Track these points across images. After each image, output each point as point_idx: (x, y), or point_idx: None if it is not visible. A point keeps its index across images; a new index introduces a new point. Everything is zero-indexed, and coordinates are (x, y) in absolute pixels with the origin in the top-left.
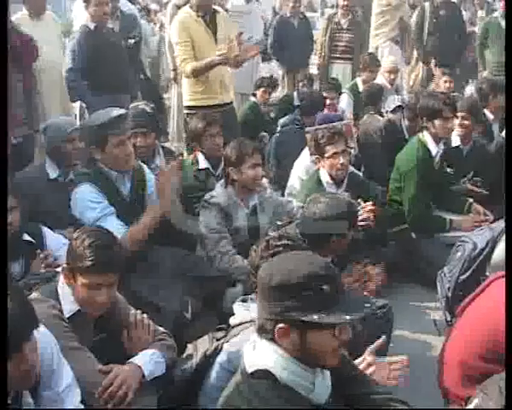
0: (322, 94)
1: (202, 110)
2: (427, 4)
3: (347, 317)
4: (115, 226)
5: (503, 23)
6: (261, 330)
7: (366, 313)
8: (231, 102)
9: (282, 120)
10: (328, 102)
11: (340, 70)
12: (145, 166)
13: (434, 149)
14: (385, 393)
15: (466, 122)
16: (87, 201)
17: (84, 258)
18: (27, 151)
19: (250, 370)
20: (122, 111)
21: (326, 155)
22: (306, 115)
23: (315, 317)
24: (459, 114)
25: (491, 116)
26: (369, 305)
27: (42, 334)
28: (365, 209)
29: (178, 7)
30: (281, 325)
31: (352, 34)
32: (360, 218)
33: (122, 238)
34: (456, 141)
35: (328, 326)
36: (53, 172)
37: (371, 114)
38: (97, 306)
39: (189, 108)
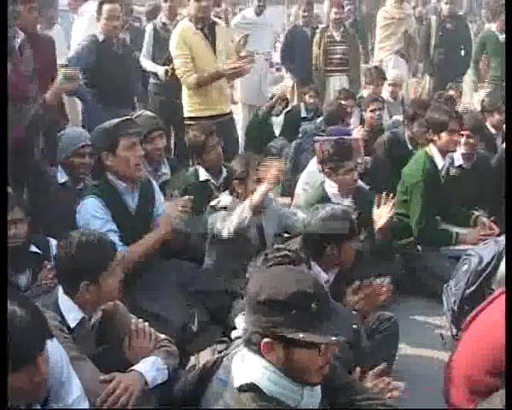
0: (343, 104)
1: (202, 121)
2: (433, 17)
3: (333, 338)
4: None
5: (500, 37)
6: (248, 343)
7: (353, 335)
8: (230, 112)
9: (303, 127)
10: (348, 110)
11: (336, 82)
12: (154, 181)
13: (441, 162)
14: (377, 399)
15: (471, 141)
16: (91, 215)
17: (108, 249)
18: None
19: (236, 383)
20: (128, 116)
21: (340, 171)
22: (330, 125)
23: (301, 335)
24: (464, 132)
25: (493, 130)
26: (356, 326)
27: (52, 346)
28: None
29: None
30: (266, 340)
31: (346, 46)
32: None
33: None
34: (458, 160)
35: (313, 345)
36: (62, 178)
37: None
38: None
39: (189, 119)
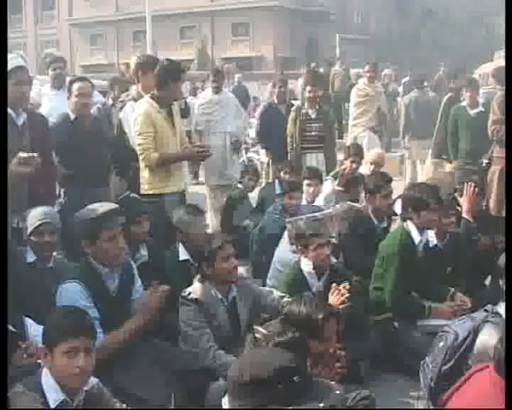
0: (301, 182)
1: (161, 198)
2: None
3: (321, 404)
4: None
5: (470, 111)
6: None
7: (337, 400)
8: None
9: (268, 210)
10: (310, 190)
11: (313, 159)
12: (133, 264)
13: (417, 237)
14: None
15: (446, 220)
16: (73, 300)
17: (60, 325)
18: None
19: None
20: (114, 205)
21: (311, 247)
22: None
23: (290, 408)
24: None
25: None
26: (338, 392)
27: None
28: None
29: (135, 100)
30: None
31: (321, 123)
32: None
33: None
34: (433, 240)
35: None
36: (30, 257)
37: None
38: (77, 374)
39: (148, 196)
